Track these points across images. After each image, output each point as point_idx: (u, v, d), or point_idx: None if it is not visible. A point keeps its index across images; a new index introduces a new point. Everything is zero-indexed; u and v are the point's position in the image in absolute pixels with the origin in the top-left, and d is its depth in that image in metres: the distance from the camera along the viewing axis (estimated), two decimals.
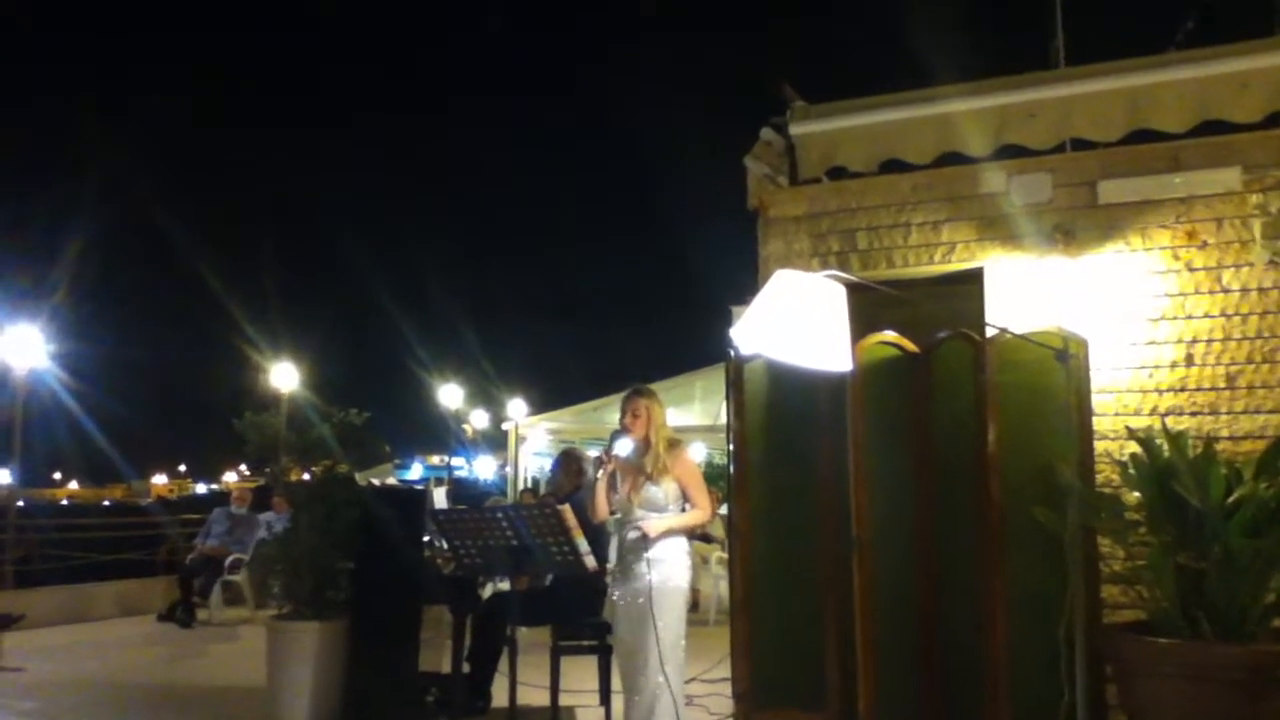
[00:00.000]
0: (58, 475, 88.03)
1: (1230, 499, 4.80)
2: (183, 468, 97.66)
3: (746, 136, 7.05)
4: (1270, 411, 5.45)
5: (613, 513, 5.41)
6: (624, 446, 5.27)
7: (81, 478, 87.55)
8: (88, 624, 11.50)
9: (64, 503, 58.38)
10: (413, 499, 6.59)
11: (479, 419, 39.26)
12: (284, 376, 20.43)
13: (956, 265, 6.20)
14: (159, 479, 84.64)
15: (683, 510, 5.37)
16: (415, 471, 34.23)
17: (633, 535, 5.19)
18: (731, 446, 6.36)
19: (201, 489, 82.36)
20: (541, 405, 24.11)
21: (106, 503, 57.94)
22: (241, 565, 11.69)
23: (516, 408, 30.20)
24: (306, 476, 7.26)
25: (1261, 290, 5.55)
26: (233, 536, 12.03)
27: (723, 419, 7.95)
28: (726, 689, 6.32)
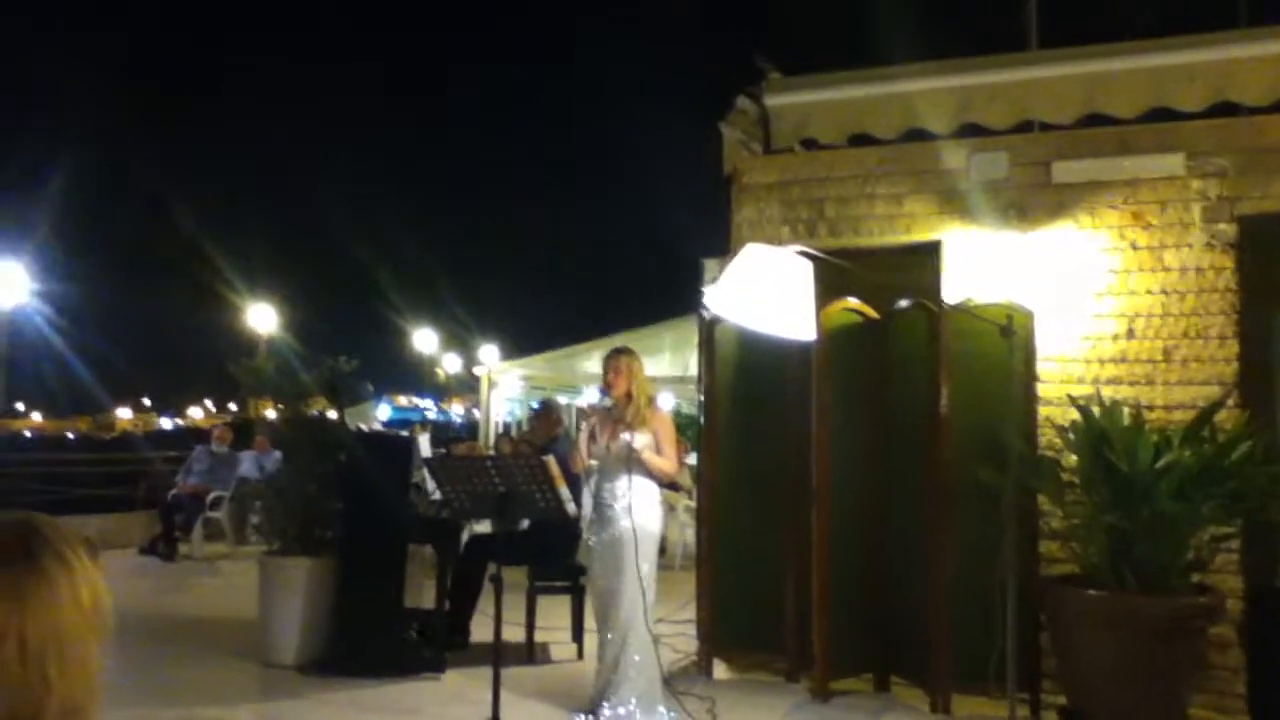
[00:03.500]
0: (20, 406, 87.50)
1: (1159, 465, 5.21)
2: (146, 401, 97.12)
3: (719, 99, 7.27)
4: (1201, 383, 5.82)
5: (592, 462, 5.77)
6: (604, 403, 5.65)
7: (45, 411, 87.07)
8: None
9: (26, 434, 58.28)
10: (402, 446, 6.94)
11: (452, 364, 39.61)
12: (262, 318, 20.59)
13: (917, 237, 6.54)
14: (123, 413, 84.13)
15: None
16: (383, 412, 34.38)
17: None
18: (702, 399, 6.76)
19: (166, 424, 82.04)
20: (514, 352, 24.40)
21: (70, 435, 57.76)
22: (223, 502, 12.01)
23: (489, 353, 30.55)
24: (272, 415, 7.48)
25: (1199, 270, 5.92)
26: (214, 475, 12.34)
27: (692, 370, 8.33)
28: (692, 629, 6.72)
